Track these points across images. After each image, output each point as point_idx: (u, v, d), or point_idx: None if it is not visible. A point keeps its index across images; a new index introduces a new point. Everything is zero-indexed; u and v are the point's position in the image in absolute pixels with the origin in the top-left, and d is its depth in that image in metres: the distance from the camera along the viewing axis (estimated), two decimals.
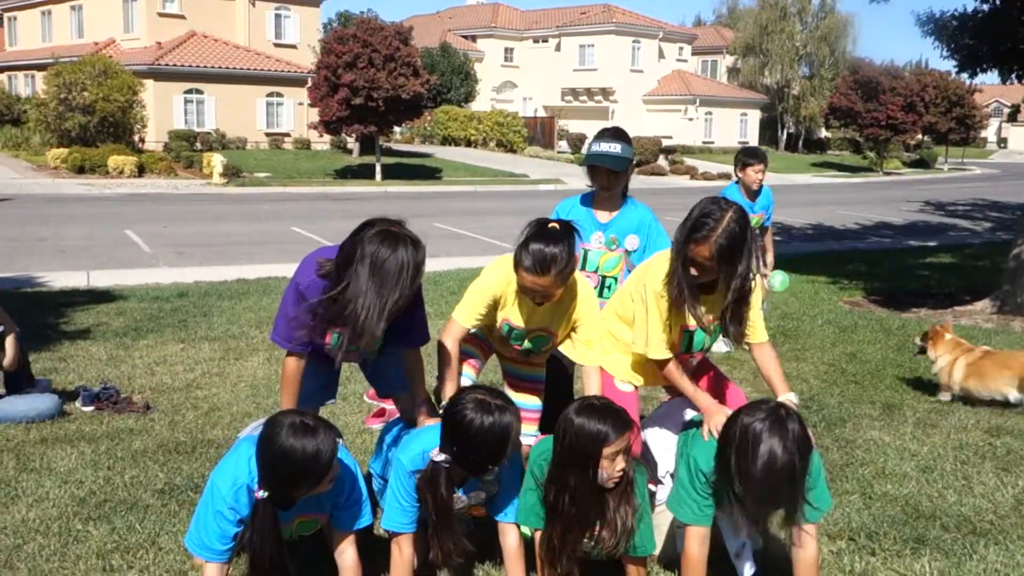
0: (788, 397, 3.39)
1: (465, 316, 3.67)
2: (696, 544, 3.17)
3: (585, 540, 3.19)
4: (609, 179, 4.30)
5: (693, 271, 3.31)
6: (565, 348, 3.85)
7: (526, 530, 3.32)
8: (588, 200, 4.45)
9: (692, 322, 3.48)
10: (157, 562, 3.52)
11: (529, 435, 3.68)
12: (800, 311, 9.00)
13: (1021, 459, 4.81)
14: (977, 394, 5.85)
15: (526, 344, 3.82)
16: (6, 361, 5.34)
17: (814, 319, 8.60)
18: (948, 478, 4.52)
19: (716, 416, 3.27)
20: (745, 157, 7.21)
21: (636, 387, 3.79)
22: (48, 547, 3.63)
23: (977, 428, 5.34)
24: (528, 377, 4.03)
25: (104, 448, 4.80)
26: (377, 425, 5.25)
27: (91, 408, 5.51)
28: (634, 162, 4.42)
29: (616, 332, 3.77)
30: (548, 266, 3.40)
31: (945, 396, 6.00)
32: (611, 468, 3.04)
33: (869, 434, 5.20)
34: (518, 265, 3.46)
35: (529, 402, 4.00)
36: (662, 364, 3.54)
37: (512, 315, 3.71)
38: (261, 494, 2.92)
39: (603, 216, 4.38)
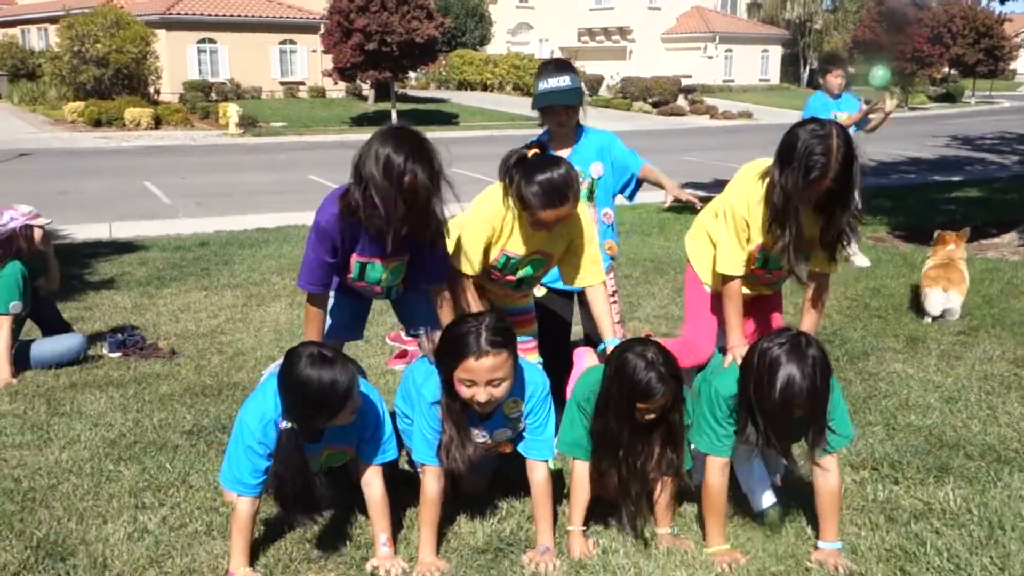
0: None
1: (469, 265, 3.58)
2: (716, 474, 3.18)
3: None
4: (567, 114, 4.18)
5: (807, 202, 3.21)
6: (566, 276, 3.75)
7: (554, 463, 3.35)
8: (547, 141, 4.25)
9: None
10: (188, 499, 3.59)
11: (536, 367, 3.56)
12: None
13: None
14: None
15: (522, 272, 3.71)
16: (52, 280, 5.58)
17: None
18: (972, 408, 4.51)
19: (740, 349, 3.27)
20: (824, 64, 8.39)
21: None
22: (82, 487, 3.70)
23: (1003, 359, 5.31)
24: (517, 310, 3.94)
25: (132, 392, 4.87)
26: (400, 366, 5.26)
27: (118, 354, 5.58)
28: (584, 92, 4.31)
29: (712, 231, 3.63)
30: (565, 192, 3.33)
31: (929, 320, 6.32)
32: (643, 415, 3.05)
33: (892, 367, 5.19)
34: (531, 205, 3.34)
35: (524, 334, 3.89)
36: (727, 279, 3.46)
37: (511, 245, 3.60)
38: (285, 425, 2.96)
39: (562, 153, 4.13)
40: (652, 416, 3.05)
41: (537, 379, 3.29)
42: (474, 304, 3.62)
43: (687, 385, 3.37)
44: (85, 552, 3.19)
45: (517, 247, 3.61)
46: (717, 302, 3.65)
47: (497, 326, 3.03)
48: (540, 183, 3.31)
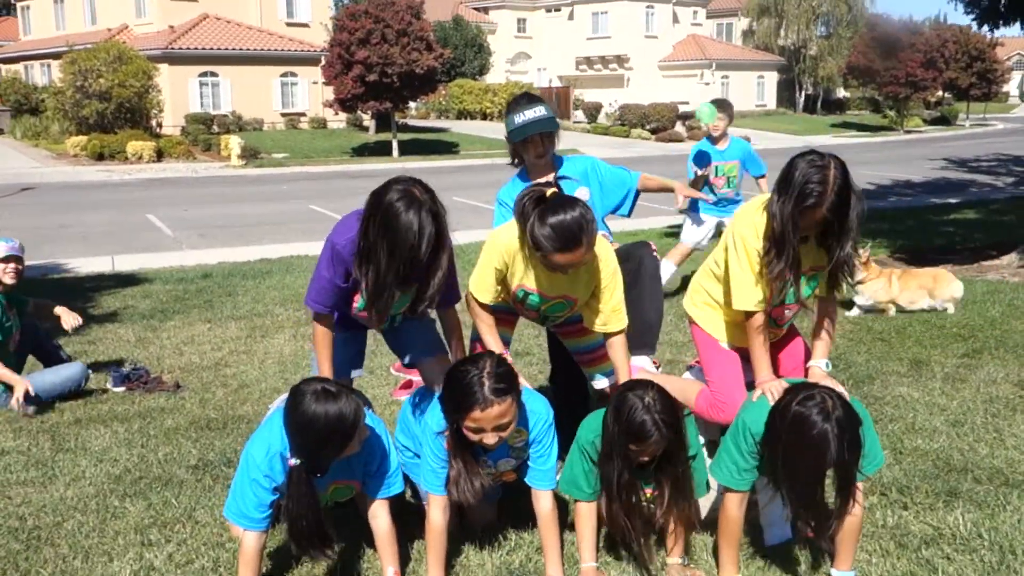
0: (819, 364, 3.43)
1: (479, 289, 3.57)
2: (734, 506, 3.15)
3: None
4: (544, 143, 4.10)
5: (804, 234, 3.24)
6: (587, 320, 3.68)
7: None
8: (525, 175, 4.21)
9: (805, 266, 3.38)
10: (194, 535, 3.58)
11: (539, 396, 3.44)
12: None
13: None
14: (908, 305, 7.11)
15: (546, 310, 3.68)
16: (71, 321, 5.60)
17: None
18: (979, 431, 4.50)
19: (770, 384, 3.22)
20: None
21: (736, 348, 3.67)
22: (87, 524, 3.69)
23: (1007, 381, 5.30)
24: (586, 347, 3.93)
25: (137, 427, 4.86)
26: (404, 397, 5.28)
27: (122, 388, 5.58)
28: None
29: (713, 292, 3.66)
30: (578, 236, 3.22)
31: (857, 312, 7.18)
32: (639, 456, 3.06)
33: (897, 390, 5.18)
34: (542, 249, 3.27)
35: (587, 342, 3.91)
36: (750, 315, 3.43)
37: (527, 282, 3.56)
38: (294, 462, 2.96)
39: None
40: (646, 459, 3.06)
41: (541, 409, 3.29)
42: (487, 333, 3.60)
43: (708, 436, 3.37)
44: None
45: (537, 285, 3.55)
46: (733, 353, 3.64)
47: (499, 372, 3.03)
48: (553, 225, 3.21)
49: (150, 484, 4.08)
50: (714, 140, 7.88)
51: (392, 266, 3.11)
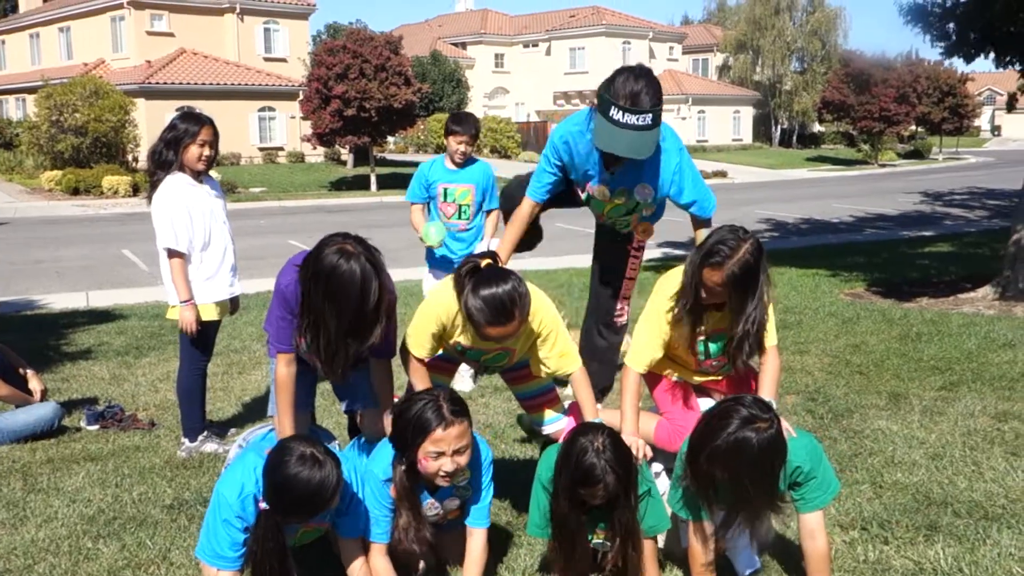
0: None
1: (416, 345, 3.50)
2: (698, 539, 3.17)
3: (593, 542, 3.21)
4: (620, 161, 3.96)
5: (703, 294, 3.35)
6: (536, 369, 3.62)
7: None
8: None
9: (708, 327, 3.51)
10: None
11: (478, 436, 3.43)
12: (802, 304, 8.99)
13: None
14: None
15: (483, 361, 3.66)
16: (38, 391, 5.54)
17: (816, 312, 8.59)
18: (958, 464, 4.50)
19: (630, 440, 3.29)
20: (450, 123, 6.38)
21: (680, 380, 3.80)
22: (59, 566, 3.61)
23: (984, 414, 5.33)
24: (536, 391, 3.85)
25: (111, 466, 4.79)
26: None
27: (96, 427, 5.50)
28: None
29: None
30: (510, 310, 3.18)
31: None
32: (590, 499, 3.08)
33: (876, 424, 5.19)
34: (475, 322, 3.22)
35: (533, 387, 3.85)
36: (627, 371, 3.55)
37: (463, 339, 3.51)
38: (264, 505, 2.92)
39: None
40: (596, 501, 3.06)
41: (481, 448, 3.33)
42: (420, 385, 3.54)
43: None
44: None
45: (471, 342, 3.50)
46: (683, 384, 3.78)
47: (453, 397, 3.11)
48: (485, 298, 3.17)
49: (124, 525, 4.01)
50: (452, 162, 6.46)
51: (342, 326, 3.13)
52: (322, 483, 2.85)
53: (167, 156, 4.88)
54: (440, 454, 3.02)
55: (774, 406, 3.41)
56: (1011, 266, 9.25)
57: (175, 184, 4.86)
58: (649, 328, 3.56)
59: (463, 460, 3.07)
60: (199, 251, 4.88)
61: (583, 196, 4.27)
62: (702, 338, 3.55)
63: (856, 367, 6.53)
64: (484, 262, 3.31)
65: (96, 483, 4.54)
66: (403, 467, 3.14)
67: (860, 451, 4.74)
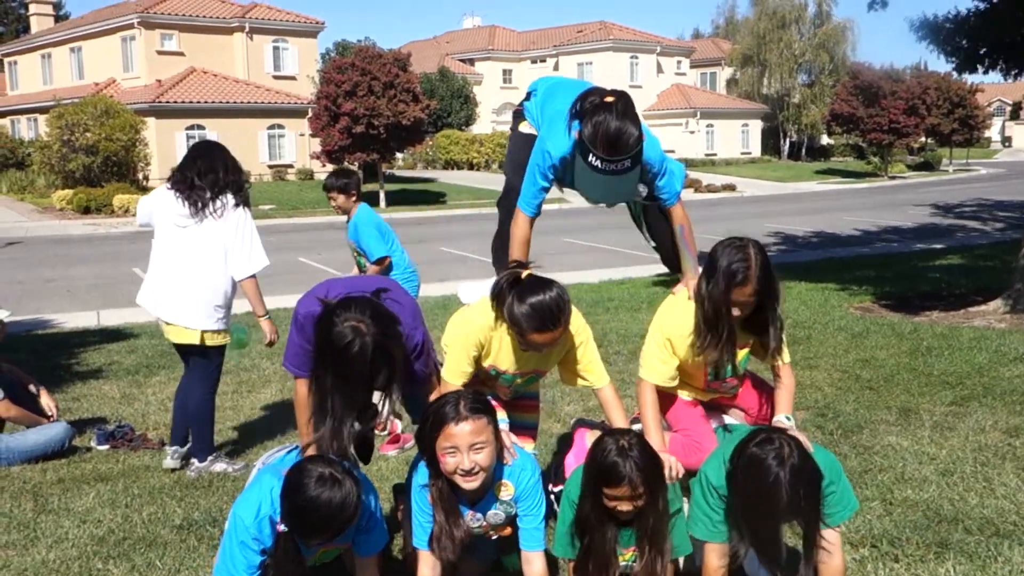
0: (780, 418, 3.53)
1: (453, 374, 3.55)
2: (715, 557, 3.16)
3: (621, 564, 3.19)
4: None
5: (736, 312, 3.43)
6: (567, 380, 3.77)
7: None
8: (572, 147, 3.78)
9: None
10: None
11: (527, 452, 3.51)
12: (811, 319, 8.97)
13: None
14: None
15: (516, 386, 3.74)
16: (53, 408, 5.57)
17: (825, 326, 8.57)
18: (968, 480, 4.48)
19: (662, 457, 3.30)
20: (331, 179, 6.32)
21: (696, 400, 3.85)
22: None
23: (995, 429, 5.30)
24: (524, 395, 3.94)
25: (121, 486, 4.80)
26: (392, 452, 5.25)
27: (106, 447, 5.52)
28: None
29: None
30: (556, 316, 3.29)
31: None
32: (615, 506, 3.04)
33: (886, 440, 5.17)
34: (521, 328, 3.31)
35: (526, 419, 3.93)
36: (645, 385, 3.63)
37: (500, 361, 3.60)
38: (282, 528, 2.93)
39: None
40: (624, 508, 3.02)
41: (527, 465, 3.29)
42: None
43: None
44: None
45: (508, 364, 3.59)
46: (695, 403, 3.83)
47: (475, 396, 3.11)
48: (532, 305, 3.27)
49: (134, 545, 4.02)
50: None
51: (349, 412, 3.15)
52: (343, 503, 2.85)
53: (235, 178, 4.93)
54: (455, 450, 3.01)
55: (792, 422, 3.43)
56: (1022, 279, 9.21)
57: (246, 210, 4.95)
58: (660, 349, 3.64)
59: (481, 459, 3.04)
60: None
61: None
62: (733, 355, 3.63)
63: (866, 382, 6.50)
64: (524, 273, 3.39)
65: (106, 503, 4.55)
66: (432, 468, 3.14)
67: (870, 467, 4.72)
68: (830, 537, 3.10)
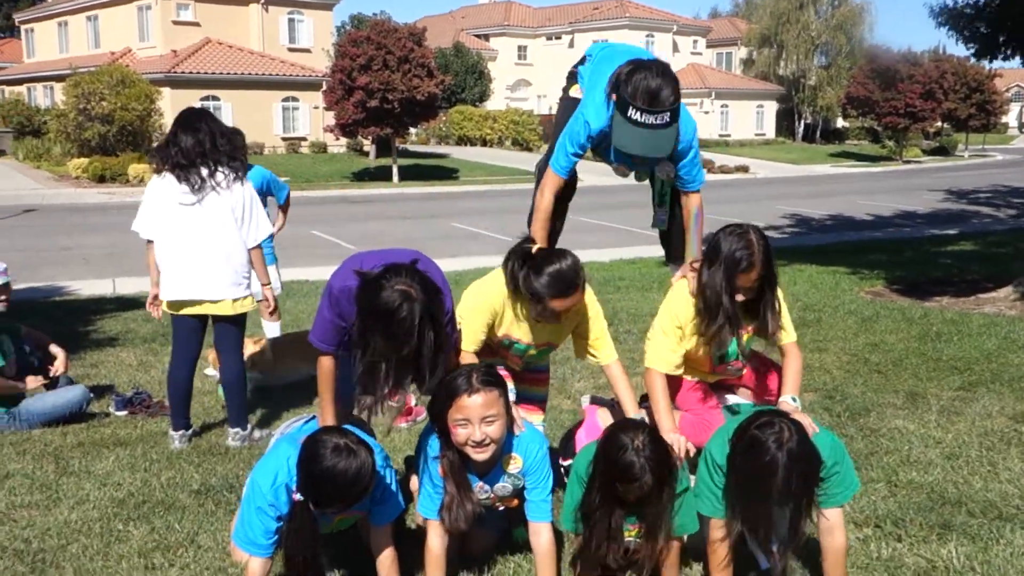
0: (786, 399, 3.58)
1: (468, 342, 3.63)
2: (717, 532, 3.23)
3: (626, 539, 3.26)
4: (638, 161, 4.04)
5: (740, 297, 3.53)
6: (578, 350, 3.88)
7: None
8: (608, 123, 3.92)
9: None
10: (197, 559, 3.61)
11: (535, 426, 3.60)
12: (821, 302, 9.01)
13: None
14: None
15: (528, 356, 3.85)
16: (61, 366, 5.59)
17: (836, 310, 8.61)
18: (973, 464, 4.54)
19: (671, 437, 3.43)
20: None
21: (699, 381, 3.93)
22: (91, 547, 3.73)
23: (1002, 414, 5.35)
24: (534, 368, 4.03)
25: (140, 451, 4.91)
26: (404, 424, 5.33)
27: (124, 413, 5.63)
28: None
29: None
30: (574, 282, 3.44)
31: None
32: (625, 497, 3.11)
33: (893, 423, 5.23)
34: (541, 296, 3.43)
35: (535, 392, 4.03)
36: (653, 373, 3.71)
37: (513, 331, 3.72)
38: (299, 497, 3.01)
39: None
40: (632, 499, 3.11)
41: (535, 439, 3.37)
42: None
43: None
44: None
45: (522, 335, 3.71)
46: (698, 383, 3.91)
47: (487, 369, 3.19)
48: (551, 274, 3.42)
49: (153, 508, 4.12)
50: None
51: (402, 376, 3.20)
52: (358, 472, 2.93)
53: (226, 147, 4.94)
54: (467, 422, 3.09)
55: (798, 403, 3.50)
56: None
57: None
58: (667, 338, 3.72)
59: (492, 432, 3.12)
60: None
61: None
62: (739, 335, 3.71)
63: (874, 366, 6.56)
64: (535, 248, 3.53)
65: (126, 467, 4.65)
66: (443, 439, 3.21)
67: (876, 450, 4.78)
68: (832, 517, 3.17)
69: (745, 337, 3.77)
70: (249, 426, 5.13)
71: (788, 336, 3.75)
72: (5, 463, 4.73)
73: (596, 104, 3.83)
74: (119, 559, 3.63)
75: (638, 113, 3.61)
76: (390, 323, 3.05)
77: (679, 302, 3.73)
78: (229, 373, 5.10)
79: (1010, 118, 75.76)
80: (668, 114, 3.65)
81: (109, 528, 3.91)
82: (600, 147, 3.97)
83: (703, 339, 3.66)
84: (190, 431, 5.14)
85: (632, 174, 4.20)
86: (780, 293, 3.70)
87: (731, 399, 3.92)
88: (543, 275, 3.42)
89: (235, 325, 5.08)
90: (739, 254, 3.46)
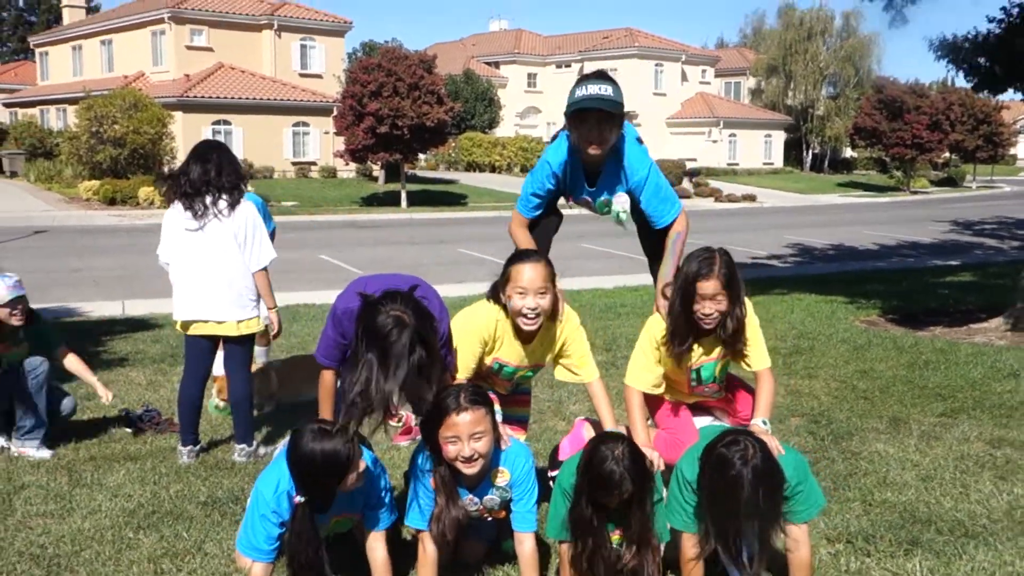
0: (757, 421, 3.74)
1: (460, 369, 3.84)
2: (690, 546, 3.42)
3: (612, 545, 3.46)
4: (600, 129, 4.03)
5: (702, 309, 3.70)
6: (560, 375, 4.10)
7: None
8: (571, 153, 4.24)
9: (695, 360, 3.88)
10: (204, 566, 3.83)
11: (520, 442, 3.82)
12: (816, 330, 9.20)
13: (1019, 468, 5.01)
14: None
15: (516, 379, 4.10)
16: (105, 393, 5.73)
17: (829, 338, 8.80)
18: (946, 486, 4.73)
19: (646, 451, 3.61)
20: None
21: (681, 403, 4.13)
22: (103, 553, 3.94)
23: (979, 440, 5.54)
24: (516, 392, 4.27)
25: (149, 465, 5.13)
26: (404, 442, 5.54)
27: (134, 429, 5.84)
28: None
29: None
30: (535, 253, 3.84)
31: None
32: (607, 502, 3.32)
33: (874, 446, 5.42)
34: (510, 276, 3.74)
35: (518, 412, 4.28)
36: (630, 391, 3.94)
37: (504, 354, 3.96)
38: (299, 499, 3.23)
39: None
40: (613, 505, 3.32)
41: (521, 453, 3.60)
42: None
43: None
44: None
45: (512, 357, 3.96)
46: (676, 403, 4.10)
47: (474, 390, 3.42)
48: (515, 256, 3.83)
49: (162, 518, 4.34)
50: None
51: (387, 386, 3.33)
52: (335, 450, 3.18)
53: (229, 180, 5.19)
54: (456, 438, 3.32)
55: (767, 428, 3.70)
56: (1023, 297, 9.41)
57: (251, 204, 5.24)
58: (644, 356, 3.96)
59: (480, 447, 3.35)
60: None
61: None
62: (694, 369, 3.93)
63: (862, 392, 6.75)
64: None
65: (136, 480, 4.87)
66: (435, 455, 3.44)
67: (855, 471, 4.98)
68: (797, 533, 3.37)
69: (720, 364, 3.97)
70: (255, 442, 5.35)
71: (762, 362, 3.92)
72: (20, 475, 4.96)
73: (554, 145, 4.22)
74: (130, 564, 3.84)
75: (581, 87, 3.96)
76: (383, 345, 3.28)
77: (656, 323, 3.95)
78: (236, 392, 5.32)
79: (1018, 150, 75.86)
80: (610, 88, 3.95)
81: (120, 536, 4.13)
82: (568, 186, 4.22)
83: (673, 359, 3.87)
84: (198, 447, 5.34)
85: (596, 207, 4.41)
86: (754, 320, 3.88)
87: (707, 420, 4.12)
88: (514, 258, 3.80)
89: (241, 346, 5.31)
90: (697, 264, 3.69)
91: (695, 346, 3.85)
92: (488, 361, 3.96)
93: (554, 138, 4.38)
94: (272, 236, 6.76)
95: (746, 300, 3.84)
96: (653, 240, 4.40)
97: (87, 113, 29.07)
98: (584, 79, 4.04)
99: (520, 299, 3.71)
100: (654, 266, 4.43)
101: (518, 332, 3.89)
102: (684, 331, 3.78)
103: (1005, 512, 4.38)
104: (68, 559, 3.89)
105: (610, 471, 3.24)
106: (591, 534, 3.38)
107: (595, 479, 3.27)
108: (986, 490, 4.66)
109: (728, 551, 3.30)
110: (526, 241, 4.25)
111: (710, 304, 3.70)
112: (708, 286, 3.66)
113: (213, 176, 5.13)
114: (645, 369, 3.95)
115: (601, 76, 4.05)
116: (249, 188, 5.56)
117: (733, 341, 3.82)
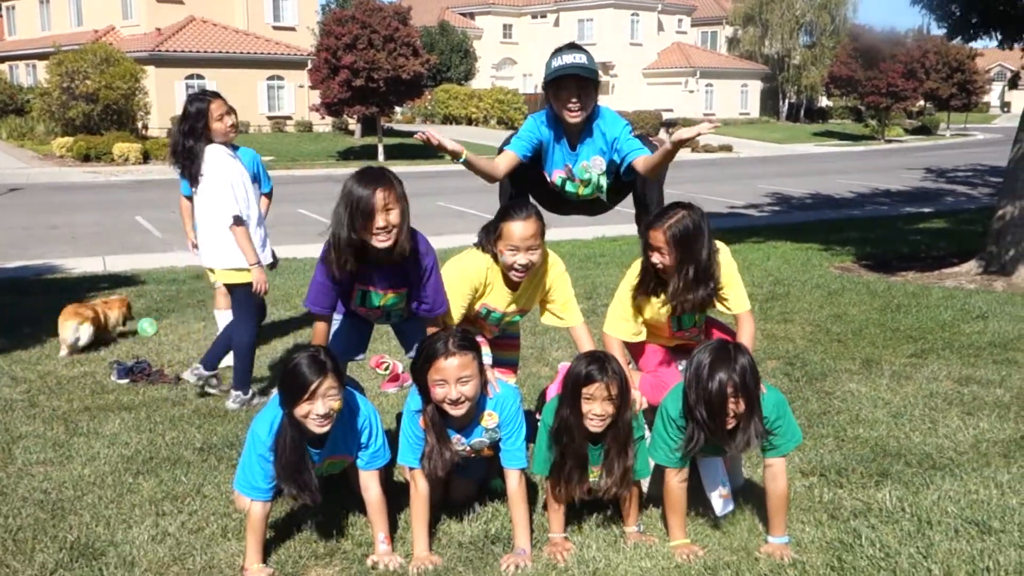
0: None
1: (451, 316, 4.01)
2: (673, 480, 3.60)
3: (590, 480, 3.62)
4: (579, 94, 4.23)
5: (652, 257, 3.88)
6: (547, 319, 4.27)
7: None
8: (552, 122, 4.45)
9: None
10: (203, 507, 3.97)
11: (509, 384, 3.96)
12: (791, 276, 9.39)
13: (985, 404, 5.22)
14: None
15: (504, 323, 4.25)
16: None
17: (804, 284, 8.99)
18: (916, 422, 4.93)
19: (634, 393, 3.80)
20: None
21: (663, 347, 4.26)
22: (105, 497, 4.07)
23: (948, 378, 5.75)
24: (506, 335, 4.41)
25: (144, 414, 5.25)
26: (392, 389, 5.65)
27: (126, 381, 5.95)
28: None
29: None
30: (528, 207, 3.97)
31: None
32: (590, 409, 3.46)
33: (847, 386, 5.61)
34: (503, 233, 3.88)
35: (507, 356, 4.42)
36: (610, 338, 4.11)
37: (491, 300, 4.11)
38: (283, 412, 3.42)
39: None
40: (599, 413, 3.46)
41: (510, 395, 3.74)
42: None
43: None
44: (114, 552, 3.56)
45: (499, 303, 4.10)
46: (659, 347, 4.24)
47: (463, 335, 3.56)
48: (505, 210, 3.98)
49: (160, 464, 4.47)
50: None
51: (352, 238, 3.64)
52: (321, 363, 3.33)
53: (188, 144, 5.35)
54: (444, 382, 3.46)
55: None
56: (995, 241, 9.63)
57: (222, 155, 5.36)
58: (622, 305, 4.10)
59: (467, 391, 3.49)
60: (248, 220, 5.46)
61: (556, 183, 4.64)
62: (674, 315, 4.06)
63: (835, 335, 6.94)
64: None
65: (132, 429, 4.99)
66: (423, 396, 3.58)
67: (829, 410, 5.17)
68: (776, 465, 3.55)
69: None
70: (251, 391, 5.47)
71: (741, 305, 4.04)
72: (17, 425, 5.06)
73: (534, 116, 4.49)
74: (132, 507, 3.97)
75: (557, 58, 4.21)
76: (356, 208, 3.63)
77: (635, 273, 4.08)
78: (237, 338, 5.47)
79: (992, 97, 76.35)
80: (583, 55, 4.19)
81: (120, 481, 4.26)
82: (547, 155, 4.40)
83: (645, 305, 4.05)
84: (249, 396, 5.48)
85: (569, 186, 4.56)
86: (732, 264, 3.99)
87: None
88: (506, 214, 3.92)
89: (231, 294, 5.46)
90: (659, 214, 3.89)
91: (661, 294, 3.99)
92: (476, 307, 4.09)
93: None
94: (269, 195, 6.90)
95: (721, 246, 3.96)
96: (640, 190, 4.56)
97: (58, 68, 28.68)
98: (559, 51, 4.27)
99: (512, 255, 3.86)
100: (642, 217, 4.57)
101: (507, 280, 4.02)
102: (645, 275, 3.95)
103: (971, 445, 4.59)
104: (71, 503, 4.02)
105: (591, 368, 3.46)
106: (570, 448, 3.54)
107: (580, 374, 3.45)
108: (953, 425, 4.87)
109: (719, 439, 3.43)
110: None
111: (656, 256, 3.85)
112: (657, 236, 3.82)
113: (180, 149, 5.44)
114: (624, 319, 4.10)
115: (574, 47, 4.29)
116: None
117: (683, 289, 3.88)
